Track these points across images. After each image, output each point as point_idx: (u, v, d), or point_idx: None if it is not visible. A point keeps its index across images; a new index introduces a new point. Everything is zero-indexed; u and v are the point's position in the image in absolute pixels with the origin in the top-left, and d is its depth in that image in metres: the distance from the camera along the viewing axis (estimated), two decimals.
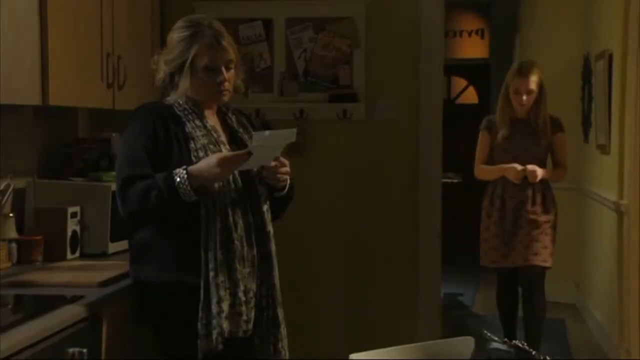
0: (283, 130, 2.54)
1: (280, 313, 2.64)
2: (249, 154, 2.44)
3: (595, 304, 5.63)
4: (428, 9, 4.03)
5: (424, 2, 4.02)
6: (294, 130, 2.52)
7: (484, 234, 4.44)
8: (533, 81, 4.35)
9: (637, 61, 3.39)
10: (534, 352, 2.07)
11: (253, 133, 2.56)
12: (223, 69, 2.57)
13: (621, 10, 4.63)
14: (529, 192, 4.35)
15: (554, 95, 6.14)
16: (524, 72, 4.36)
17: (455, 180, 8.23)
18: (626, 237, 4.41)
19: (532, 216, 4.33)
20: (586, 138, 5.98)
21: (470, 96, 9.69)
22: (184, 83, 2.55)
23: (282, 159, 2.59)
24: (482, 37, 9.53)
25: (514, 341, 2.12)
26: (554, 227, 4.41)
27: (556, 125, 4.43)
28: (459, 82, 9.80)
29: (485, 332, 2.16)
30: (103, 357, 2.41)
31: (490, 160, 4.42)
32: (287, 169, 2.61)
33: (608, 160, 5.08)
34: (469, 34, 9.57)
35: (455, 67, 9.62)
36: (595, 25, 5.77)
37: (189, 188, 2.43)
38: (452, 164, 7.84)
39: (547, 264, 4.36)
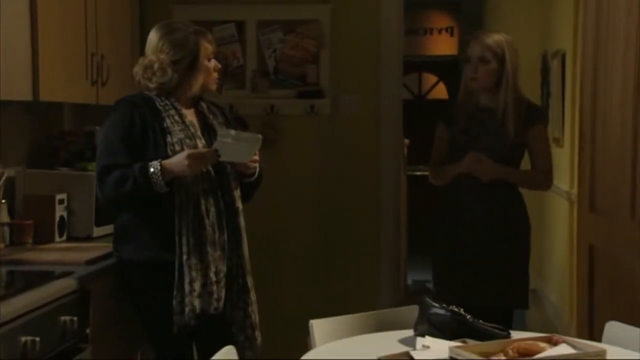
0: (248, 133, 2.78)
1: (249, 281, 2.87)
2: (216, 151, 2.67)
3: (551, 288, 5.96)
4: (388, 12, 4.20)
5: (384, 6, 4.20)
6: (260, 137, 2.75)
7: (437, 262, 3.36)
8: (487, 46, 3.22)
9: (583, 60, 3.63)
10: (468, 316, 2.36)
11: (218, 131, 2.77)
12: (214, 60, 2.85)
13: (572, 12, 4.92)
14: (490, 205, 3.23)
15: None
16: (477, 35, 3.31)
17: (425, 173, 8.45)
18: (575, 223, 4.69)
19: (494, 240, 3.21)
20: None
21: (441, 92, 9.92)
22: (200, 77, 2.79)
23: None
24: (452, 34, 9.76)
25: (451, 306, 2.39)
26: (527, 252, 3.28)
27: (532, 116, 3.28)
28: (430, 78, 10.02)
29: (427, 299, 2.40)
30: (90, 325, 2.62)
31: (449, 160, 3.36)
32: (256, 157, 2.85)
33: (562, 153, 5.37)
34: (439, 32, 9.80)
35: (426, 64, 9.86)
36: (552, 26, 6.07)
37: (160, 179, 2.64)
38: (422, 157, 8.07)
39: (520, 305, 3.29)
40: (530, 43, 6.61)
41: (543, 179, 3.34)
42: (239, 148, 2.72)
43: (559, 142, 5.51)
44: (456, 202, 3.30)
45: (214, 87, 2.89)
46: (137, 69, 2.82)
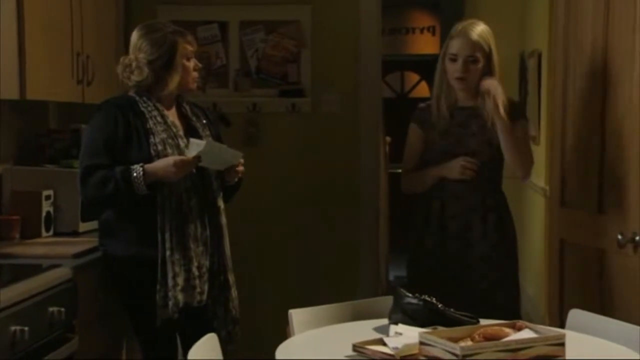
0: (231, 149, 2.87)
1: (231, 277, 2.96)
2: (199, 158, 2.77)
3: (529, 282, 6.09)
4: (366, 13, 4.31)
5: (362, 7, 4.30)
6: (241, 154, 2.86)
7: (416, 270, 3.10)
8: (476, 43, 2.96)
9: (554, 60, 3.74)
10: (439, 305, 2.46)
11: (206, 140, 2.86)
12: (195, 59, 2.92)
13: (547, 13, 5.04)
14: (482, 212, 3.01)
15: None
16: (462, 30, 2.99)
17: None
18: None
19: (484, 248, 3.00)
20: None
21: (423, 90, 10.00)
22: (176, 76, 2.85)
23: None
24: (433, 33, 9.86)
25: (423, 296, 2.49)
26: (515, 259, 3.10)
27: (515, 111, 3.06)
28: (412, 77, 10.12)
29: (400, 289, 2.48)
30: (77, 316, 2.69)
31: (425, 166, 3.11)
32: (241, 168, 2.93)
33: (538, 150, 5.48)
34: (421, 31, 9.90)
35: (408, 63, 9.97)
36: (529, 26, 6.20)
37: (142, 183, 2.72)
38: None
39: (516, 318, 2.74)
40: (509, 43, 6.71)
41: (529, 161, 3.07)
42: (220, 160, 2.84)
43: (535, 139, 5.63)
44: (440, 211, 3.03)
45: (193, 86, 2.96)
46: (119, 68, 2.90)
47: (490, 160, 3.05)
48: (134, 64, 2.86)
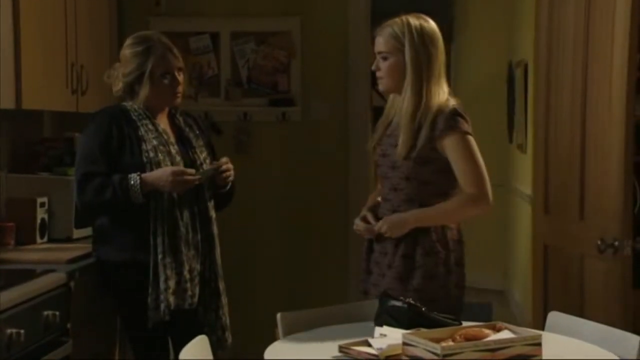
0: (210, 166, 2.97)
1: (221, 285, 3.02)
2: (199, 178, 2.87)
3: (516, 288, 6.17)
4: (355, 23, 4.40)
5: (351, 18, 4.39)
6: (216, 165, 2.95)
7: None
8: (385, 40, 2.66)
9: (537, 71, 3.81)
10: (423, 309, 2.53)
11: (201, 170, 2.95)
12: (176, 74, 2.97)
13: (532, 23, 5.12)
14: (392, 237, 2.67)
15: (484, 100, 6.67)
16: (381, 28, 2.72)
17: None
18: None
19: (389, 278, 2.69)
20: (510, 139, 6.51)
21: None
22: (145, 91, 2.91)
23: (225, 159, 2.99)
24: None
25: (407, 299, 2.56)
26: (435, 301, 2.59)
27: (444, 122, 2.57)
28: None
29: (386, 293, 2.54)
30: (71, 320, 2.76)
31: None
32: (231, 171, 2.99)
33: (525, 158, 5.57)
34: None
35: None
36: (516, 37, 6.29)
37: (139, 192, 2.79)
38: None
39: None
40: (497, 53, 6.83)
41: (468, 204, 2.61)
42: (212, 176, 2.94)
43: (522, 148, 5.72)
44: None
45: (174, 101, 2.99)
46: (104, 75, 3.01)
47: (410, 176, 2.63)
48: (114, 75, 2.97)
